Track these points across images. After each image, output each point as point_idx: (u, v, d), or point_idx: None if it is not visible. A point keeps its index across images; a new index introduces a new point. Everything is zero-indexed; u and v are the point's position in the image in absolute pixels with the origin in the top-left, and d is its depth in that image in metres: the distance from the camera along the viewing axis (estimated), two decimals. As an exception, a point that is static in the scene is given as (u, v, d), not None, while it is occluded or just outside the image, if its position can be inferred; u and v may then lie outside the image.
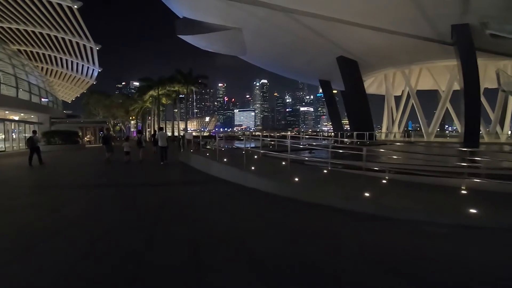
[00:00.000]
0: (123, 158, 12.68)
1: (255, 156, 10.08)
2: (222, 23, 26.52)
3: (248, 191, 6.47)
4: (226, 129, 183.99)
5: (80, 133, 32.73)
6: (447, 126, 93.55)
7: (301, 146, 12.99)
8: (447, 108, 34.68)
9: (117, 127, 67.66)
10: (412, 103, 36.18)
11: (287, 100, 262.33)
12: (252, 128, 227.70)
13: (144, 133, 43.36)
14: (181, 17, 29.63)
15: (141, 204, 5.45)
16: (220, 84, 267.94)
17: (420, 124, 36.94)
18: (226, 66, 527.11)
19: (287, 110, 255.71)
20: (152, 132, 34.72)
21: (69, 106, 53.81)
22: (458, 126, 36.02)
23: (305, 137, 25.44)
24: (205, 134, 47.49)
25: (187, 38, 30.86)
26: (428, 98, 50.61)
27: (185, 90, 48.63)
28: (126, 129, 69.73)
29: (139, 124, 64.71)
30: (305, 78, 46.37)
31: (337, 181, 6.54)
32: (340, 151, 11.27)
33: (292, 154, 9.39)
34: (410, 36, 22.49)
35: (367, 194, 4.99)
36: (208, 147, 14.34)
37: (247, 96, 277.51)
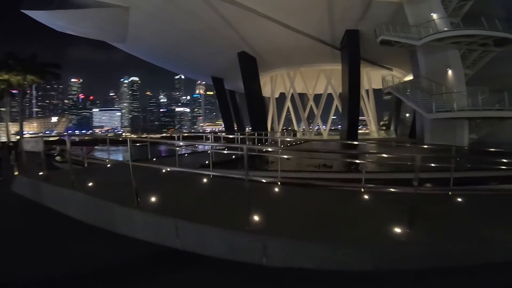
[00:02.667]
0: None
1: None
2: (102, -1, 19.57)
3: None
4: (83, 131, 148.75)
5: None
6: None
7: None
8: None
9: None
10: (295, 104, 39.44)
11: (162, 100, 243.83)
12: (119, 130, 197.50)
13: None
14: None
15: None
16: (74, 80, 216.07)
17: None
18: (84, 58, 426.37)
19: (162, 110, 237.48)
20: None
21: None
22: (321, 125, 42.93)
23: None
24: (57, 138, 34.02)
25: (38, 15, 21.14)
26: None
27: (24, 82, 32.96)
28: None
29: None
30: (196, 74, 42.35)
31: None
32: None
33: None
34: (312, 38, 23.26)
35: None
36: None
37: (111, 94, 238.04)
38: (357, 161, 6.79)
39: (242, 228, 2.77)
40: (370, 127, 39.31)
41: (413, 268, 2.42)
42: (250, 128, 30.82)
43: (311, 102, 42.87)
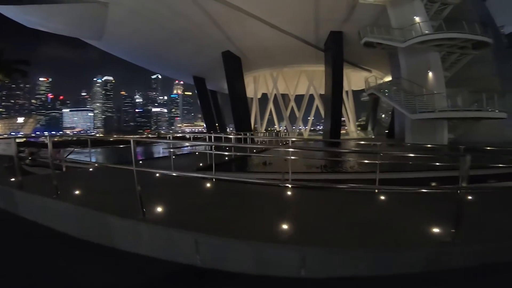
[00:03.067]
0: None
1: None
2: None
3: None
4: (52, 132, 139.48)
5: None
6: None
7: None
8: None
9: None
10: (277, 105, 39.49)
11: (137, 100, 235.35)
12: (92, 131, 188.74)
13: None
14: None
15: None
16: (42, 79, 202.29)
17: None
18: (54, 56, 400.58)
19: (137, 110, 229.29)
20: None
21: None
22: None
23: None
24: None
25: (7, 10, 19.71)
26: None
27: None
28: None
29: None
30: (177, 73, 40.88)
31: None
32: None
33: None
34: (297, 38, 23.29)
35: None
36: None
37: (83, 94, 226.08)
38: (366, 161, 6.60)
39: (273, 239, 2.41)
40: (349, 127, 40.32)
41: (462, 267, 2.34)
42: (232, 129, 30.40)
43: (292, 103, 43.26)
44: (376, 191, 4.21)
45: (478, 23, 16.71)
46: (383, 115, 59.56)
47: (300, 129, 43.65)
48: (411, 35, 17.06)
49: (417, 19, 17.15)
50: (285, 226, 2.65)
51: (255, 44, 25.33)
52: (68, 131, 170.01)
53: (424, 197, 4.03)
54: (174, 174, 5.47)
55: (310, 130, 55.12)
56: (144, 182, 3.00)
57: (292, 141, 9.36)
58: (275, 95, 38.43)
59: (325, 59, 25.20)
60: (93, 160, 10.45)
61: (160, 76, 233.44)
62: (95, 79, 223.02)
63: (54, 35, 26.58)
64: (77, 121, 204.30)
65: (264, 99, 42.79)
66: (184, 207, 3.38)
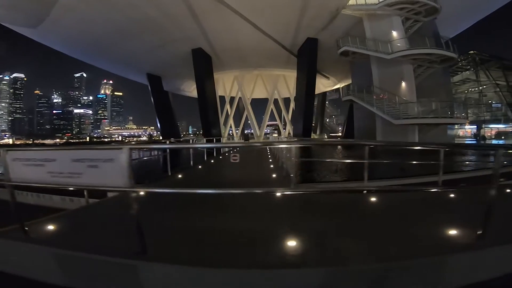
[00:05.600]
0: None
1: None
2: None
3: None
4: None
5: None
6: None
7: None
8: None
9: None
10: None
11: (55, 100, 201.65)
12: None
13: None
14: None
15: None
16: None
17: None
18: None
19: (55, 112, 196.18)
20: None
21: None
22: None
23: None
24: None
25: None
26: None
27: None
28: None
29: None
30: (126, 70, 35.22)
31: None
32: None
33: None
34: (274, 41, 23.13)
35: None
36: None
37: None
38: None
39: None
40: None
41: None
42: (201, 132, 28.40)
43: (273, 106, 43.07)
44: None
45: (430, 38, 19.34)
46: (327, 120, 65.35)
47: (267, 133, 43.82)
48: (386, 48, 18.74)
49: (394, 33, 18.91)
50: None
51: (231, 43, 24.21)
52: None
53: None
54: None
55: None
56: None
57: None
58: (232, 97, 37.63)
59: (298, 64, 25.77)
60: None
61: (85, 75, 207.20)
62: (1, 76, 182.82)
63: None
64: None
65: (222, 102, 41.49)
66: (199, 235, 2.42)
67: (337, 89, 36.24)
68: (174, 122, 39.91)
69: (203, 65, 25.55)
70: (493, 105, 32.22)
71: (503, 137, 30.29)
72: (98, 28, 22.09)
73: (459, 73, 32.87)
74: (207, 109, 26.55)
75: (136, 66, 31.65)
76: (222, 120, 34.45)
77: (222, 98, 40.15)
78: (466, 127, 32.99)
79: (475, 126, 32.57)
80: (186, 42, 23.62)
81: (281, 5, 19.28)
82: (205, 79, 26.03)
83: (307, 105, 25.68)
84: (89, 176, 1.97)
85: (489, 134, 32.23)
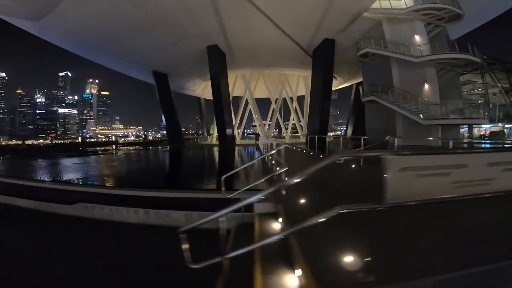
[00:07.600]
0: None
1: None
2: None
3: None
4: None
5: None
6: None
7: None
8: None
9: None
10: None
11: (38, 100, 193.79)
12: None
13: None
14: None
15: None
16: None
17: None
18: None
19: (39, 111, 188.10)
20: None
21: None
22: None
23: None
24: None
25: None
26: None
27: None
28: None
29: None
30: (131, 68, 33.53)
31: None
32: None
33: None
34: (292, 41, 22.84)
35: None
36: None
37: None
38: None
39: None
40: (300, 131, 42.81)
41: None
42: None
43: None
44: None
45: (444, 42, 19.62)
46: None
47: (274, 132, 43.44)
48: (408, 50, 18.85)
49: (417, 37, 19.00)
50: None
51: (248, 41, 23.68)
52: None
53: None
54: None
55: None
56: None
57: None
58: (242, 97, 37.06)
59: (314, 65, 25.55)
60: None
61: (70, 74, 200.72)
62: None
63: None
64: None
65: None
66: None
67: (335, 90, 36.48)
68: (175, 121, 38.76)
69: (218, 62, 24.85)
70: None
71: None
72: (109, 22, 21.07)
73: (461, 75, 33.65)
74: (222, 107, 25.80)
75: (142, 63, 30.50)
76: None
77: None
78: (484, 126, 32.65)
79: (492, 125, 32.20)
80: (201, 39, 22.91)
81: (306, 6, 19.02)
82: (220, 77, 25.29)
83: (323, 105, 25.47)
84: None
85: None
